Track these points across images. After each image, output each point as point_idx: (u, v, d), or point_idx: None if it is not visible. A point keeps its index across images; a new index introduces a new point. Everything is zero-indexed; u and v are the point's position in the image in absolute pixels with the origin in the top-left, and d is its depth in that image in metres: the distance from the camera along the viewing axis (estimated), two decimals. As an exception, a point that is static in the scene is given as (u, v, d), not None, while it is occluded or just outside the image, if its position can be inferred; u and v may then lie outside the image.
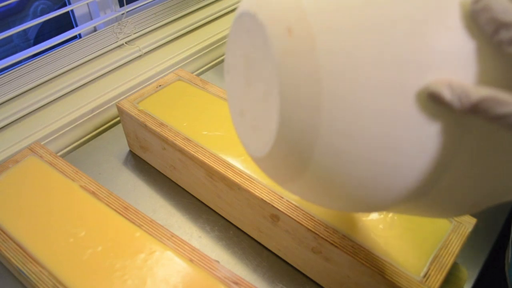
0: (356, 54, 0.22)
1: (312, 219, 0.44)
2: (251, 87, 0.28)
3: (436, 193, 0.26)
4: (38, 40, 1.49)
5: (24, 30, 1.38)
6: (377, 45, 0.22)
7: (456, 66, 0.22)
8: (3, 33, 0.61)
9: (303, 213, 0.45)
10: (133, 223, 0.45)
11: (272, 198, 0.46)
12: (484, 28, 0.22)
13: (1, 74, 0.66)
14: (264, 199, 0.46)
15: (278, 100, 0.24)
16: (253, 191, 0.47)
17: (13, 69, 0.67)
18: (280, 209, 0.45)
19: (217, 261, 0.42)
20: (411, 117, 0.23)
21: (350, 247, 0.42)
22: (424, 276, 0.40)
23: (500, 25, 0.21)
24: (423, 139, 0.23)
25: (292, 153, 0.25)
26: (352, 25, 0.23)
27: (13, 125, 0.63)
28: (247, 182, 0.48)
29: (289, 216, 0.45)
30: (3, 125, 0.62)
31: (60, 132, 0.65)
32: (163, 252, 0.43)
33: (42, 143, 0.61)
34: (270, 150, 0.26)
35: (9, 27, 0.63)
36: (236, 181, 0.48)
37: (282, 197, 0.46)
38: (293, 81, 0.24)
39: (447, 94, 0.21)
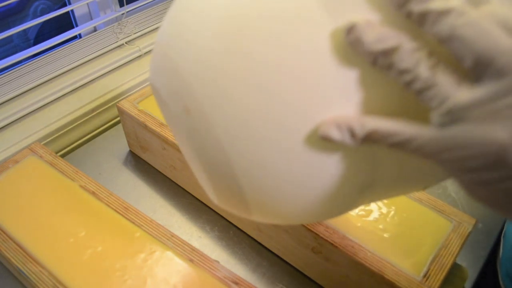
0: (248, 117, 0.23)
1: (312, 219, 0.44)
2: (186, 149, 0.29)
3: (376, 193, 0.28)
4: (38, 40, 1.49)
5: (24, 30, 1.38)
6: (262, 104, 0.23)
7: (343, 100, 0.22)
8: (3, 33, 0.61)
9: (303, 213, 0.45)
10: (133, 223, 0.45)
11: (272, 198, 0.46)
12: (363, 57, 0.22)
13: (1, 74, 0.66)
14: (264, 199, 0.46)
15: (202, 169, 0.26)
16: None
17: (13, 69, 0.67)
18: (280, 209, 0.45)
19: (217, 261, 0.42)
20: (314, 156, 0.23)
21: (350, 247, 0.42)
22: (424, 276, 0.40)
23: (377, 55, 0.21)
24: (334, 167, 0.24)
25: (232, 203, 0.28)
26: (238, 90, 0.23)
27: (13, 125, 0.63)
28: (247, 182, 0.48)
29: (289, 216, 0.45)
30: (3, 125, 0.62)
31: (60, 132, 0.65)
32: (163, 252, 0.43)
33: (42, 143, 0.61)
34: (219, 201, 0.28)
35: (9, 27, 0.63)
36: (236, 181, 0.48)
37: (282, 197, 0.46)
38: (203, 152, 0.25)
39: (336, 135, 0.22)
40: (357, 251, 0.41)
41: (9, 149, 0.60)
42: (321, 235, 0.43)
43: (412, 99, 0.21)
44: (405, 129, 0.21)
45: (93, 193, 0.48)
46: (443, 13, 0.20)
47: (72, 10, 0.76)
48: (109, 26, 0.77)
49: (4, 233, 0.45)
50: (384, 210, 0.46)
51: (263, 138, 0.23)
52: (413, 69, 0.20)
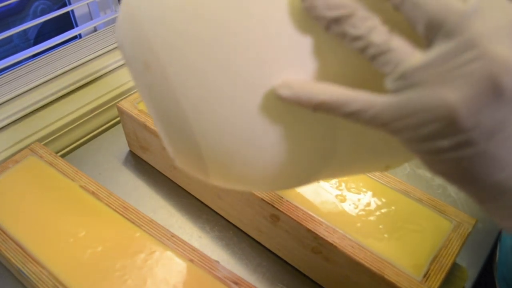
0: (205, 76, 0.23)
1: (312, 219, 0.44)
2: (149, 105, 0.29)
3: (337, 164, 0.28)
4: (38, 40, 1.49)
5: (24, 30, 1.38)
6: (219, 64, 0.23)
7: (299, 64, 0.23)
8: (3, 33, 0.61)
9: (303, 213, 0.45)
10: (133, 223, 0.45)
11: (272, 198, 0.46)
12: (318, 23, 0.22)
13: (1, 74, 0.66)
14: (264, 199, 0.46)
15: (161, 125, 0.27)
16: (253, 191, 0.47)
17: (13, 69, 0.67)
18: (280, 209, 0.45)
19: (217, 261, 0.42)
20: (272, 118, 0.24)
21: (350, 247, 0.42)
22: (424, 276, 0.40)
23: (330, 21, 0.21)
24: (293, 129, 0.25)
25: (190, 164, 0.28)
26: (196, 49, 0.23)
27: (13, 125, 0.63)
28: (247, 182, 0.48)
29: (289, 216, 0.45)
30: (3, 125, 0.62)
31: (60, 132, 0.65)
32: (163, 252, 0.43)
33: (42, 143, 0.61)
34: (178, 160, 0.28)
35: (9, 27, 0.63)
36: (236, 181, 0.48)
37: (282, 197, 0.46)
38: (162, 107, 0.25)
39: (289, 96, 0.22)
40: (357, 251, 0.41)
41: (9, 149, 0.60)
42: (321, 235, 0.43)
43: (368, 68, 0.22)
44: (360, 97, 0.21)
45: (93, 193, 0.48)
46: None
47: (72, 10, 0.76)
48: (109, 26, 0.77)
49: (4, 233, 0.45)
50: (384, 210, 0.46)
51: (220, 96, 0.23)
52: (366, 36, 0.21)
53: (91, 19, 0.78)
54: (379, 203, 0.46)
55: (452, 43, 0.19)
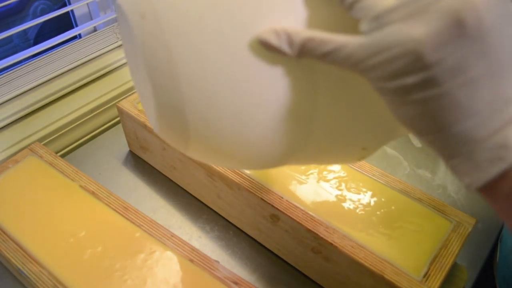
0: (195, 26, 0.25)
1: (312, 219, 0.44)
2: (138, 72, 0.29)
3: (318, 138, 0.29)
4: (38, 40, 1.49)
5: (24, 30, 1.38)
6: (211, 13, 0.25)
7: (284, 14, 0.25)
8: (3, 33, 0.61)
9: (303, 213, 0.45)
10: (133, 223, 0.45)
11: (272, 198, 0.46)
12: None
13: (1, 74, 0.66)
14: (264, 199, 0.46)
15: (150, 82, 0.27)
16: (253, 191, 0.47)
17: (13, 69, 0.67)
18: (280, 209, 0.45)
19: (217, 261, 0.42)
20: (257, 67, 0.25)
21: (350, 247, 0.42)
22: (424, 276, 0.40)
23: None
24: (275, 85, 0.26)
25: (173, 127, 0.28)
26: (190, 2, 0.25)
27: (13, 125, 0.63)
28: (247, 182, 0.48)
29: (289, 216, 0.45)
30: (3, 125, 0.62)
31: (60, 132, 0.65)
32: (163, 252, 0.43)
33: (42, 143, 0.61)
34: (159, 126, 0.29)
35: (9, 27, 0.63)
36: (236, 181, 0.48)
37: (282, 197, 0.46)
38: (153, 61, 0.26)
39: (273, 40, 0.24)
40: (357, 251, 0.41)
41: (9, 149, 0.60)
42: (321, 235, 0.43)
43: (346, 18, 0.24)
44: (336, 38, 0.23)
45: (93, 193, 0.48)
46: None
47: (72, 10, 0.76)
48: (109, 26, 0.77)
49: (4, 233, 0.45)
50: (384, 210, 0.46)
51: (210, 45, 0.25)
52: None
53: (91, 19, 0.78)
54: (379, 203, 0.46)
55: None
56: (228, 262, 0.50)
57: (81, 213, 0.47)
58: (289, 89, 0.26)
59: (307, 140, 0.29)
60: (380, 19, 0.22)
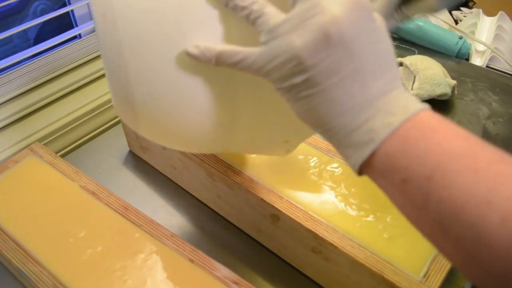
0: (141, 30, 0.31)
1: (312, 219, 0.44)
2: (102, 55, 0.35)
3: (243, 130, 0.36)
4: (38, 40, 1.49)
5: (24, 30, 1.38)
6: (154, 23, 0.31)
7: (206, 31, 0.31)
8: (3, 33, 0.61)
9: (303, 213, 0.45)
10: (133, 223, 0.45)
11: (272, 198, 0.46)
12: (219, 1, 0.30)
13: (1, 74, 0.66)
14: (264, 199, 0.46)
15: (106, 70, 0.34)
16: (253, 191, 0.47)
17: (13, 69, 0.67)
18: (280, 209, 0.45)
19: (217, 261, 0.42)
20: (187, 72, 0.32)
21: (350, 247, 0.42)
22: (424, 276, 0.40)
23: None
24: (201, 85, 0.33)
25: (125, 108, 0.35)
26: (138, 11, 0.31)
27: (13, 125, 0.63)
28: (247, 182, 0.48)
29: (289, 216, 0.45)
30: (3, 125, 0.62)
31: (60, 132, 0.65)
32: (163, 252, 0.43)
33: (42, 143, 0.61)
34: (116, 107, 0.36)
35: (9, 27, 0.63)
36: (236, 181, 0.48)
37: (282, 197, 0.46)
38: (109, 54, 0.33)
39: (196, 53, 0.31)
40: (357, 251, 0.41)
41: (9, 149, 0.60)
42: (321, 235, 0.43)
43: (252, 32, 0.29)
44: (243, 49, 0.29)
45: (93, 193, 0.48)
46: None
47: (72, 10, 0.76)
48: (109, 26, 0.77)
49: (4, 233, 0.45)
50: (384, 210, 0.46)
51: (149, 46, 0.31)
52: (249, 6, 0.28)
53: (91, 19, 0.78)
54: (379, 203, 0.46)
55: (304, 5, 0.26)
56: (228, 262, 0.50)
57: (81, 213, 0.47)
58: (213, 89, 0.33)
59: (234, 132, 0.36)
60: (272, 32, 0.27)
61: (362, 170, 0.27)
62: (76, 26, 0.77)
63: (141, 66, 0.32)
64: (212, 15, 0.31)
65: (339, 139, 0.27)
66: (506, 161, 0.23)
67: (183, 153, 0.53)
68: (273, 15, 0.28)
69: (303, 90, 0.27)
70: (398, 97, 0.26)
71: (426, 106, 0.26)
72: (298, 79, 0.26)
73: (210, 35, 0.31)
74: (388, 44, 0.27)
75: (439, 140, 0.24)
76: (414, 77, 0.70)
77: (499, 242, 0.21)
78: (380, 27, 0.27)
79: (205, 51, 0.30)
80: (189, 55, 0.31)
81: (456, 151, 0.24)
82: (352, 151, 0.27)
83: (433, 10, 0.52)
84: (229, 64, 0.30)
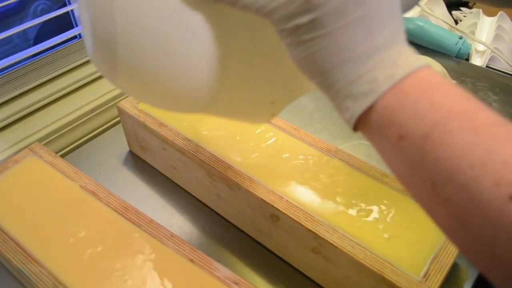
0: None
1: (312, 219, 0.44)
2: (83, 11, 0.32)
3: (230, 86, 0.33)
4: (38, 40, 1.49)
5: (24, 30, 1.38)
6: None
7: None
8: (3, 33, 0.61)
9: (303, 213, 0.45)
10: (133, 223, 0.45)
11: (272, 198, 0.46)
12: None
13: (1, 74, 0.66)
14: (264, 199, 0.46)
15: (88, 11, 0.30)
16: (253, 191, 0.47)
17: (13, 69, 0.67)
18: (280, 209, 0.45)
19: (217, 261, 0.42)
20: (181, 10, 0.29)
21: (350, 247, 0.42)
22: (424, 276, 0.40)
23: None
24: (194, 27, 0.30)
25: (105, 52, 0.31)
26: None
27: (13, 125, 0.63)
28: (247, 182, 0.48)
29: (289, 216, 0.45)
30: (3, 125, 0.62)
31: (60, 132, 0.65)
32: (163, 252, 0.43)
33: (42, 143, 0.61)
34: (93, 51, 0.32)
35: (9, 27, 0.63)
36: (236, 181, 0.48)
37: (282, 197, 0.46)
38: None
39: None
40: (357, 251, 0.41)
41: (9, 149, 0.60)
42: (321, 235, 0.43)
43: None
44: None
45: (93, 193, 0.48)
46: None
47: (72, 10, 0.76)
48: (109, 26, 0.77)
49: (4, 233, 0.45)
50: (384, 210, 0.46)
51: None
52: None
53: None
54: (379, 203, 0.46)
55: None
56: (228, 262, 0.50)
57: (81, 213, 0.47)
58: (207, 32, 0.30)
59: (221, 85, 0.33)
60: None
61: (358, 125, 0.26)
62: (76, 26, 0.77)
63: (130, 8, 0.29)
64: None
65: (338, 89, 0.26)
66: (507, 124, 0.23)
67: (183, 153, 0.53)
68: None
69: (307, 32, 0.25)
70: (402, 51, 0.25)
71: (428, 64, 0.26)
72: (303, 19, 0.25)
73: None
74: None
75: (440, 98, 0.24)
76: (414, 77, 0.70)
77: (490, 206, 0.21)
78: None
79: None
80: None
81: (456, 109, 0.23)
82: (350, 102, 0.26)
83: None
84: (229, 2, 0.27)
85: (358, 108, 0.25)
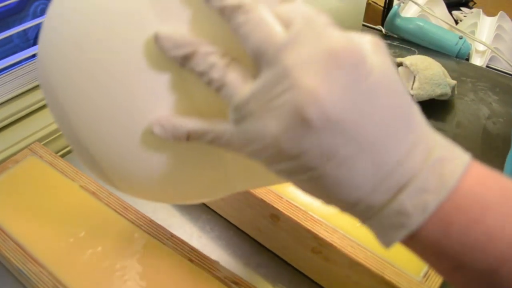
0: (90, 107, 0.26)
1: (312, 219, 0.44)
2: None
3: (237, 179, 0.29)
4: (38, 40, 1.49)
5: (24, 30, 1.38)
6: (103, 104, 0.25)
7: (167, 100, 0.25)
8: (3, 33, 0.61)
9: (303, 213, 0.45)
10: (133, 223, 0.45)
11: (272, 198, 0.46)
12: (174, 60, 0.23)
13: (1, 74, 0.66)
14: (264, 199, 0.46)
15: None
16: (252, 191, 0.47)
17: (13, 69, 0.67)
18: (280, 209, 0.45)
19: (217, 261, 0.42)
20: (150, 148, 0.26)
21: (350, 247, 0.42)
22: (424, 276, 0.40)
23: (181, 60, 0.23)
24: (180, 156, 0.27)
25: (97, 175, 0.30)
26: (79, 80, 0.26)
27: (13, 125, 0.63)
28: (247, 182, 0.48)
29: (289, 216, 0.45)
30: (3, 125, 0.62)
31: (60, 132, 0.65)
32: (163, 252, 0.43)
33: (42, 143, 0.61)
34: (87, 167, 0.30)
35: (9, 27, 0.63)
36: (236, 181, 0.48)
37: (282, 197, 0.46)
38: (60, 126, 0.28)
39: (161, 133, 0.24)
40: (357, 251, 0.41)
41: (9, 149, 0.60)
42: (321, 235, 0.43)
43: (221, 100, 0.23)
44: (214, 127, 0.23)
45: (93, 193, 0.48)
46: (234, 9, 0.21)
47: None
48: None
49: (4, 233, 0.45)
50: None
51: (105, 126, 0.26)
52: (208, 72, 0.22)
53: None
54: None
55: (270, 73, 0.20)
56: (228, 262, 0.50)
57: (81, 213, 0.47)
58: (196, 159, 0.27)
59: (228, 183, 0.30)
60: (240, 111, 0.21)
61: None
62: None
63: (101, 147, 0.27)
64: (170, 79, 0.25)
65: (361, 216, 0.22)
66: None
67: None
68: (237, 85, 0.21)
69: (295, 174, 0.21)
70: (428, 158, 0.20)
71: (467, 159, 0.21)
72: (284, 166, 0.21)
73: (173, 104, 0.25)
74: (397, 92, 0.21)
75: (498, 223, 0.20)
76: (414, 77, 0.70)
77: None
78: (382, 76, 0.20)
79: (172, 130, 0.24)
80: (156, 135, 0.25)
81: None
82: (379, 231, 0.22)
83: None
84: (203, 143, 0.24)
85: (390, 241, 0.22)
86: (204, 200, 0.34)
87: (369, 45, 0.21)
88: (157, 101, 0.25)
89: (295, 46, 0.20)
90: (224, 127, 0.23)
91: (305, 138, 0.20)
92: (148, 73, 0.24)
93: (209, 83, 0.22)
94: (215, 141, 0.23)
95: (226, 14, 0.21)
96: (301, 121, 0.19)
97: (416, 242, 0.21)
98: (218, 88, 0.22)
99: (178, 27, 0.23)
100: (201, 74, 0.22)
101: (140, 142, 0.26)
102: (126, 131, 0.25)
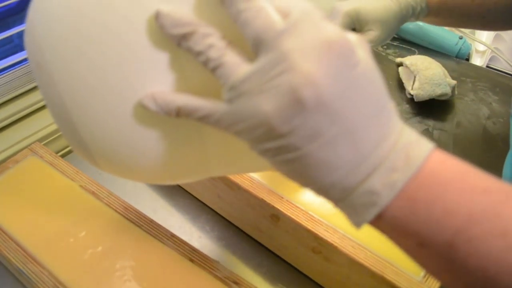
0: (81, 83, 0.26)
1: (312, 219, 0.44)
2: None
3: (217, 165, 0.31)
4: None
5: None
6: (96, 77, 0.26)
7: (162, 77, 0.26)
8: (3, 33, 0.61)
9: (303, 213, 0.45)
10: (133, 223, 0.45)
11: (272, 198, 0.46)
12: (171, 40, 0.25)
13: (1, 74, 0.65)
14: (264, 199, 0.46)
15: (54, 118, 0.30)
16: (253, 191, 0.47)
17: (13, 69, 0.67)
18: (280, 209, 0.45)
19: (217, 261, 0.42)
20: (147, 123, 0.27)
21: (350, 247, 0.42)
22: (424, 276, 0.40)
23: (179, 38, 0.24)
24: (163, 134, 0.28)
25: (82, 153, 0.31)
26: (76, 55, 0.26)
27: (13, 125, 0.63)
28: (247, 182, 0.48)
29: (289, 216, 0.45)
30: (3, 125, 0.62)
31: (60, 132, 0.65)
32: (163, 252, 0.43)
33: (42, 143, 0.61)
34: (73, 150, 0.32)
35: (9, 27, 0.63)
36: (236, 181, 0.48)
37: (282, 197, 0.46)
38: (50, 103, 0.29)
39: (153, 107, 0.25)
40: (357, 251, 0.41)
41: (9, 149, 0.60)
42: (321, 235, 0.43)
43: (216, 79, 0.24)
44: (206, 105, 0.24)
45: (93, 193, 0.48)
46: None
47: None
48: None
49: (4, 233, 0.45)
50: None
51: (97, 101, 0.26)
52: (205, 52, 0.23)
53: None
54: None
55: (268, 57, 0.22)
56: (228, 262, 0.50)
57: (81, 213, 0.47)
58: (177, 137, 0.28)
59: (208, 164, 0.31)
60: (235, 90, 0.23)
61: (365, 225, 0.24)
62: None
63: (90, 122, 0.27)
64: (166, 58, 0.26)
65: (334, 198, 0.24)
66: None
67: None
68: (234, 65, 0.23)
69: (279, 154, 0.23)
70: (397, 144, 0.23)
71: (431, 146, 0.23)
72: (271, 145, 0.23)
73: (166, 81, 0.26)
74: (377, 85, 0.23)
75: (455, 198, 0.21)
76: (414, 77, 0.70)
77: None
78: (366, 69, 0.22)
79: (163, 105, 0.25)
80: (147, 108, 0.26)
81: (477, 210, 0.21)
82: (351, 211, 0.24)
83: (373, 43, 0.53)
84: (193, 119, 0.25)
85: (360, 219, 0.24)
86: (180, 181, 0.35)
87: (357, 41, 0.23)
88: (150, 78, 0.26)
89: (293, 33, 0.21)
90: (215, 105, 0.24)
91: (297, 118, 0.21)
92: (144, 49, 0.25)
93: (206, 62, 0.23)
94: (205, 118, 0.24)
95: (227, 1, 0.23)
96: (295, 101, 0.21)
97: (384, 221, 0.23)
98: (214, 67, 0.23)
99: (179, 8, 0.24)
100: (198, 54, 0.24)
101: (129, 116, 0.26)
102: (116, 104, 0.26)
